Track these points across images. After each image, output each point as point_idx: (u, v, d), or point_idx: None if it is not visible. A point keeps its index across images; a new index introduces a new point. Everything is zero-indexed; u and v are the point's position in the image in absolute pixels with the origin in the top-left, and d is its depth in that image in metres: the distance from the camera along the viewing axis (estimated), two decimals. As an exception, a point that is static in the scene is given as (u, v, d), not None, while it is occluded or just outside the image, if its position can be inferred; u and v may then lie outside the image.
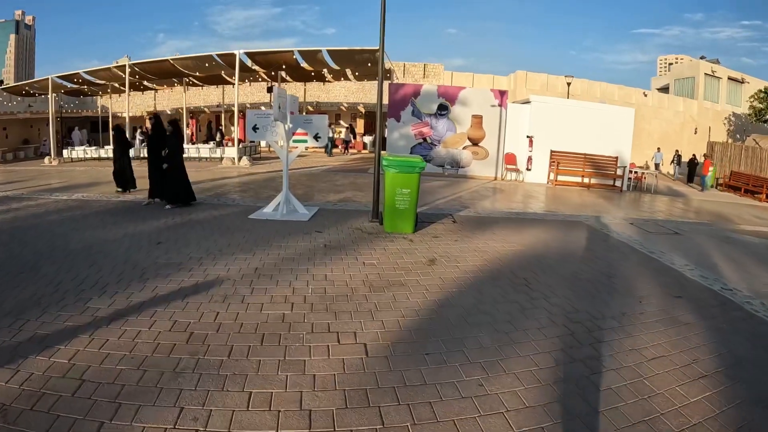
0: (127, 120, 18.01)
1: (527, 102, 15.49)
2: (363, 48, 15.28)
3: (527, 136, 15.05)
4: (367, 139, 27.22)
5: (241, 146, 18.09)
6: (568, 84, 24.70)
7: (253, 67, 18.62)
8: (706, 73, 36.34)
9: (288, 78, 21.47)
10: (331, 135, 25.00)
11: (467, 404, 2.63)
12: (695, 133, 33.07)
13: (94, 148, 21.12)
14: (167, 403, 2.50)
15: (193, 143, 25.30)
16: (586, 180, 15.15)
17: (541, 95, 18.66)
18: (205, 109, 30.19)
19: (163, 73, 19.78)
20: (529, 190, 13.23)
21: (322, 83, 25.67)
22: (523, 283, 4.79)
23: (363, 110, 28.02)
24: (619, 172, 15.39)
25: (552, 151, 15.17)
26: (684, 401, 2.78)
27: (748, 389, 2.95)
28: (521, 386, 2.85)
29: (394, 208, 6.39)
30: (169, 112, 30.49)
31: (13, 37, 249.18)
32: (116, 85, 21.38)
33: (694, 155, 22.28)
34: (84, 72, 18.82)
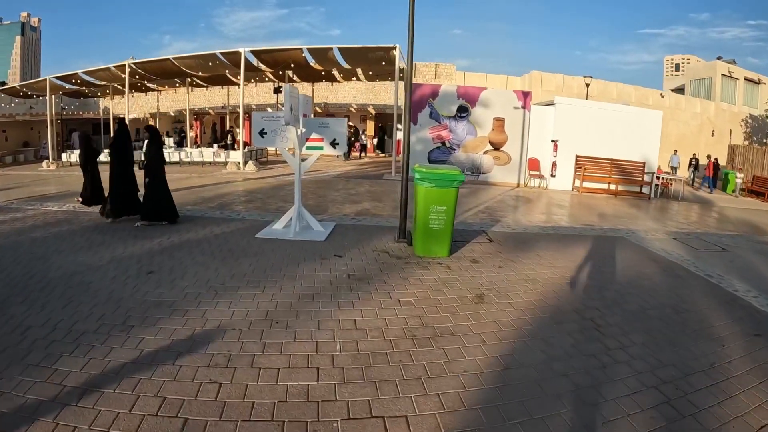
0: (126, 122, 17.18)
1: (551, 104, 14.51)
2: (377, 45, 14.35)
3: (552, 140, 14.08)
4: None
5: (246, 150, 17.22)
6: (587, 85, 23.71)
7: (260, 67, 17.72)
8: (723, 74, 35.34)
9: (296, 78, 20.58)
10: (363, 141, 24.29)
11: None
12: (712, 135, 32.04)
13: (93, 150, 20.29)
14: None
15: (197, 146, 24.50)
16: (612, 187, 14.21)
17: (556, 96, 17.66)
18: (210, 111, 29.38)
19: (165, 73, 18.90)
20: (555, 199, 12.28)
21: (330, 84, 24.78)
22: (592, 326, 3.92)
23: (373, 112, 27.10)
24: (646, 178, 14.46)
25: (577, 156, 14.22)
26: None
27: None
28: None
29: (426, 229, 5.45)
30: (172, 114, 29.74)
31: (18, 38, 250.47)
32: (117, 86, 20.57)
33: (716, 159, 21.45)
34: (82, 72, 17.99)
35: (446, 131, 13.90)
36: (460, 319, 3.92)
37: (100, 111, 27.22)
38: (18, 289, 4.21)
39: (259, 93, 27.64)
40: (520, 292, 4.67)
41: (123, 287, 4.35)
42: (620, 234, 7.96)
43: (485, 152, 14.07)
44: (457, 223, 7.98)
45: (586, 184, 14.06)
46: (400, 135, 15.95)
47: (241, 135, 18.69)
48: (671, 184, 16.37)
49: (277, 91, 21.16)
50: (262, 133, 6.77)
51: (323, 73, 19.38)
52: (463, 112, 13.81)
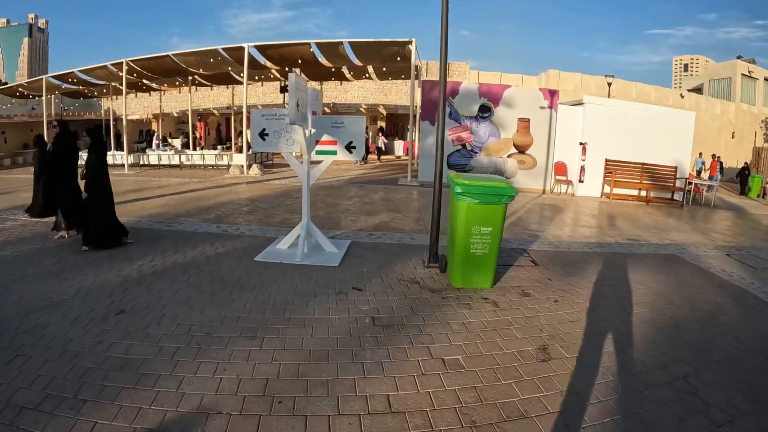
0: (124, 122, 16.31)
1: (579, 103, 13.35)
2: (392, 39, 13.28)
3: (580, 143, 12.94)
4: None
5: (250, 152, 16.23)
6: (609, 84, 22.59)
7: (266, 64, 16.69)
8: (743, 74, 34.05)
9: (303, 76, 19.57)
10: (381, 146, 23.14)
11: None
12: (732, 137, 30.77)
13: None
14: None
15: (201, 148, 23.56)
16: (643, 193, 13.06)
17: (585, 95, 16.52)
18: (215, 112, 28.48)
19: (165, 71, 17.93)
20: (587, 207, 11.16)
21: (339, 83, 23.74)
22: (688, 390, 2.94)
23: (384, 112, 26.04)
24: (679, 183, 13.30)
25: (607, 160, 13.08)
26: None
27: None
28: None
29: (467, 254, 4.38)
30: (175, 114, 28.86)
31: (26, 40, 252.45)
32: (117, 85, 19.67)
33: (746, 163, 20.39)
34: (79, 71, 17.06)
35: (467, 132, 12.75)
36: (527, 389, 2.87)
37: (102, 111, 26.38)
38: (-47, 336, 3.24)
39: (266, 93, 26.69)
40: (587, 338, 3.62)
41: (84, 335, 3.34)
42: (671, 250, 6.95)
43: (509, 155, 12.93)
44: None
45: (616, 190, 12.93)
46: (415, 136, 14.89)
47: (245, 136, 17.72)
48: (702, 190, 15.25)
49: (283, 90, 20.07)
50: (263, 135, 5.71)
51: (333, 70, 18.34)
52: (485, 112, 12.67)
